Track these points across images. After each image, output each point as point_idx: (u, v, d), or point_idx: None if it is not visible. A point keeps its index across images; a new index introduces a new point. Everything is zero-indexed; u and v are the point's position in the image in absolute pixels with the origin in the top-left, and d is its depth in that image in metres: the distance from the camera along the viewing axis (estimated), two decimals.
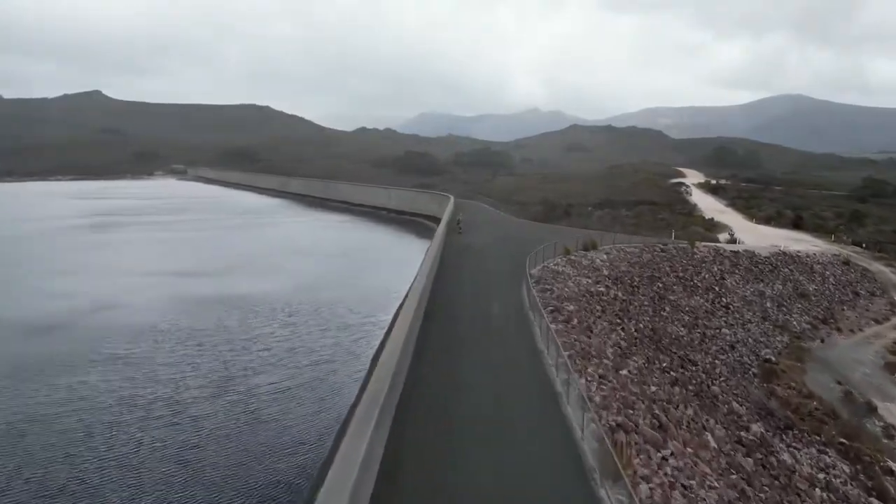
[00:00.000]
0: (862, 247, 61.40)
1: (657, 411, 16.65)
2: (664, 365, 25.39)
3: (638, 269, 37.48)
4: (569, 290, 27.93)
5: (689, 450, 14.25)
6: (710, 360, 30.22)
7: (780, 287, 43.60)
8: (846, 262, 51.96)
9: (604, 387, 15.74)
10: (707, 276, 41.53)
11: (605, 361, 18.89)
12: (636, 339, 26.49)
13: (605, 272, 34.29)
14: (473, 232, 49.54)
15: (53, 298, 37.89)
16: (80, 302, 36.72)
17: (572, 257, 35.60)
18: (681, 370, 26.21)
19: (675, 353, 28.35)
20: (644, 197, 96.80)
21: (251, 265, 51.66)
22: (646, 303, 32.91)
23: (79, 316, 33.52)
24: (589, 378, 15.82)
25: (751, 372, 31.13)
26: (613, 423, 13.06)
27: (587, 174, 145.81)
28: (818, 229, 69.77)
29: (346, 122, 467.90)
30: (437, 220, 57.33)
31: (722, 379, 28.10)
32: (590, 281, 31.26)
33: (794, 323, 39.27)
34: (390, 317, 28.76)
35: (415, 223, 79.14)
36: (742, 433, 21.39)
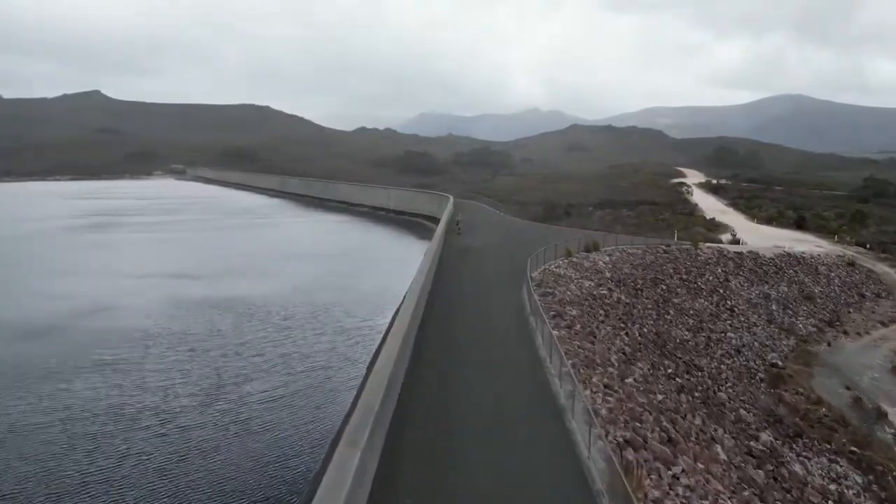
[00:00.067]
0: (866, 247, 60.64)
1: (665, 423, 15.90)
2: (669, 371, 24.65)
3: (641, 271, 36.72)
4: (571, 293, 27.18)
5: (700, 465, 13.49)
6: (716, 364, 29.46)
7: (786, 289, 42.85)
8: (851, 264, 51.20)
9: (609, 398, 14.98)
10: (711, 277, 40.78)
11: (610, 370, 18.14)
12: (640, 343, 25.74)
13: (608, 274, 33.55)
14: (473, 233, 48.83)
15: (47, 300, 37.21)
16: (73, 304, 36.00)
17: (574, 259, 34.85)
18: (686, 376, 25.47)
19: (681, 358, 27.61)
20: (645, 197, 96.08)
21: (247, 266, 50.92)
22: (649, 306, 32.16)
23: (70, 319, 32.78)
24: (594, 389, 15.07)
25: (757, 377, 30.36)
26: (621, 440, 12.31)
27: (587, 174, 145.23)
28: (821, 230, 69.01)
29: (346, 122, 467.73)
30: (436, 221, 56.61)
31: (728, 385, 27.34)
32: (592, 284, 30.51)
33: (800, 326, 38.51)
34: (387, 320, 28.04)
35: (414, 223, 78.42)
36: (752, 443, 20.63)
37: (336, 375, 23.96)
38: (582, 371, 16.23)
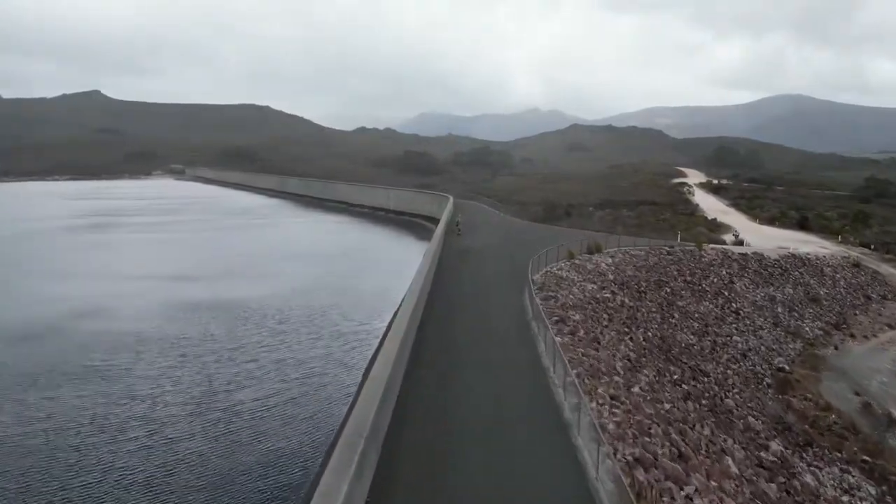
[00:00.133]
0: (870, 248, 59.91)
1: (674, 435, 15.16)
2: (675, 377, 23.91)
3: (644, 273, 35.98)
4: (574, 297, 26.43)
5: (712, 483, 12.75)
6: (722, 369, 28.72)
7: (791, 291, 42.10)
8: (856, 265, 50.47)
9: (616, 410, 14.24)
10: (716, 279, 40.03)
11: (616, 378, 17.39)
12: (645, 349, 25.00)
13: (611, 277, 32.80)
14: (473, 234, 48.10)
15: (41, 303, 36.48)
16: (67, 306, 35.26)
17: (576, 261, 34.10)
18: (693, 382, 24.73)
19: (686, 363, 26.87)
20: (645, 197, 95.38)
21: (246, 267, 50.22)
22: (654, 309, 31.41)
23: (62, 322, 32.01)
24: (600, 401, 14.32)
25: (765, 382, 29.62)
26: (631, 458, 11.56)
27: (587, 174, 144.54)
28: (824, 230, 68.27)
29: (346, 122, 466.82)
30: (436, 221, 55.92)
31: (735, 391, 26.59)
32: (595, 287, 29.76)
33: (807, 329, 37.76)
34: (385, 324, 27.32)
35: (414, 224, 77.72)
36: (762, 453, 19.90)
37: (331, 383, 23.18)
38: (587, 381, 15.49)
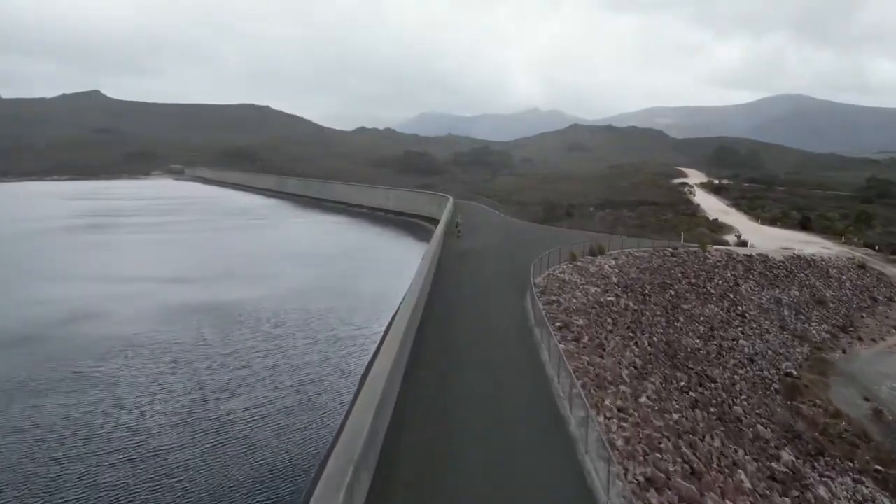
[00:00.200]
0: (874, 249, 59.15)
1: (685, 449, 14.42)
2: (682, 384, 23.17)
3: (648, 275, 35.24)
4: (577, 301, 25.68)
5: (728, 502, 12.00)
6: (729, 375, 27.98)
7: (797, 293, 41.36)
8: (862, 266, 49.74)
9: (625, 423, 13.49)
10: (720, 282, 39.29)
11: (623, 388, 16.64)
12: (651, 355, 24.26)
13: (615, 279, 32.07)
14: (473, 235, 47.38)
15: (34, 305, 35.85)
16: (60, 310, 34.57)
17: (579, 263, 33.36)
18: (700, 389, 23.99)
19: (692, 369, 26.13)
20: (646, 197, 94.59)
21: (244, 268, 49.53)
22: (658, 313, 30.67)
23: (54, 327, 31.28)
24: (608, 414, 13.58)
25: (772, 388, 28.87)
26: (642, 478, 10.82)
27: (588, 174, 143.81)
28: (826, 231, 67.47)
29: (346, 122, 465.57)
30: (435, 222, 55.22)
31: (743, 397, 25.85)
32: (599, 290, 29.02)
33: (814, 332, 37.02)
34: (383, 329, 26.60)
35: (413, 224, 77.01)
36: (773, 464, 19.16)
37: (326, 391, 22.42)
38: (593, 392, 14.75)
